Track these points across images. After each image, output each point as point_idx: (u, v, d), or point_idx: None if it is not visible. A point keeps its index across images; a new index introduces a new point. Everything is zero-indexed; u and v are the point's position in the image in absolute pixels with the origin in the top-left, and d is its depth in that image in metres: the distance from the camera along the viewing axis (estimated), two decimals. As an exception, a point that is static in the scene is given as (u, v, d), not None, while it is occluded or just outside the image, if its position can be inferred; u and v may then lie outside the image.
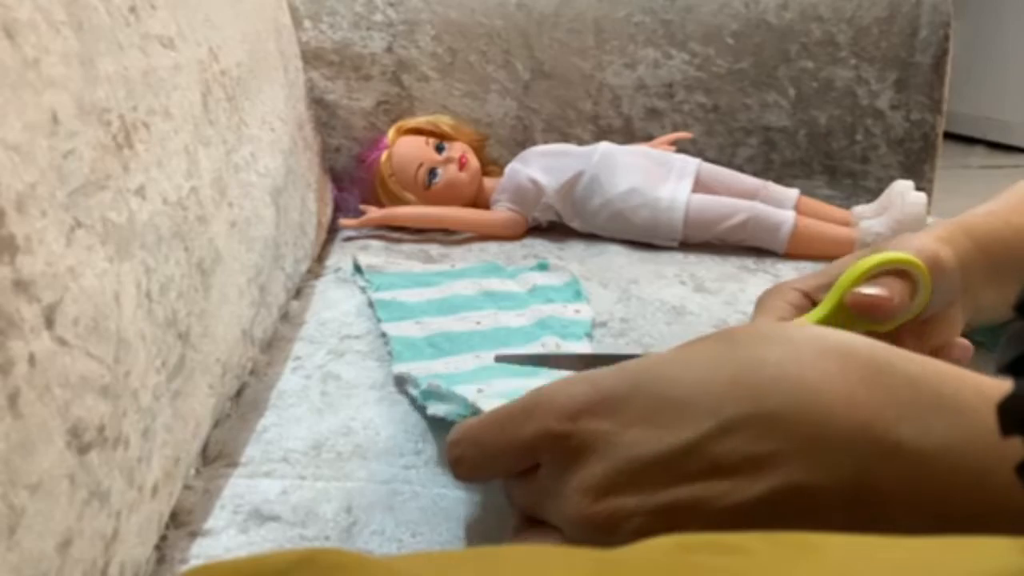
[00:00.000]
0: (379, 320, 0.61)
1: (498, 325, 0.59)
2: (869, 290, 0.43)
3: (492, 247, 0.83)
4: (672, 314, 0.65)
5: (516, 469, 0.34)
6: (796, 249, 0.79)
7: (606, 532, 0.28)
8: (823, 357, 0.28)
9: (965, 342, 0.47)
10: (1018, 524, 0.23)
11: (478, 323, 0.59)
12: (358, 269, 0.72)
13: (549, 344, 0.55)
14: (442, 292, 0.66)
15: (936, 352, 0.46)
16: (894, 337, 0.45)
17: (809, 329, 0.30)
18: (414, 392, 0.49)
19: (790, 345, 0.29)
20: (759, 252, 0.81)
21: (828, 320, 0.44)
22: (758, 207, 0.81)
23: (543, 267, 0.72)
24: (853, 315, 0.43)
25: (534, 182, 0.86)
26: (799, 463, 0.26)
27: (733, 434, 0.27)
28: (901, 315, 0.44)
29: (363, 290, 0.68)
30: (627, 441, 0.29)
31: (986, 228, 0.50)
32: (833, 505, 0.25)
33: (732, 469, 0.27)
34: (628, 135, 0.97)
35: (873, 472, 0.25)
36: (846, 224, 0.82)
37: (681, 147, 0.94)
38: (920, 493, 0.25)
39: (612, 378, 0.31)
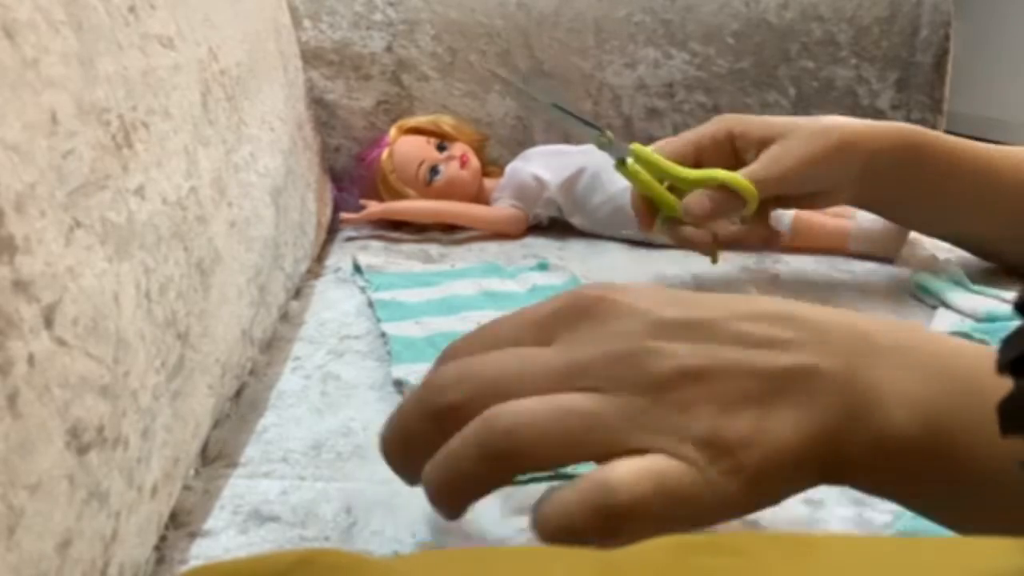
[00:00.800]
0: (379, 320, 0.61)
1: None
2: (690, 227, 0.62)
3: (492, 247, 0.83)
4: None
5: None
6: (795, 241, 0.79)
7: (649, 368, 0.30)
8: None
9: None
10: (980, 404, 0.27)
11: (479, 324, 0.59)
12: (358, 269, 0.72)
13: None
14: (442, 292, 0.66)
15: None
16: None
17: None
18: None
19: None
20: (759, 252, 0.81)
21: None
22: (756, 200, 0.81)
23: (543, 267, 0.72)
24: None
25: (537, 178, 0.86)
26: (811, 349, 0.31)
27: (754, 320, 0.32)
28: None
29: (363, 290, 0.68)
30: (657, 311, 0.32)
31: (942, 140, 0.63)
32: (832, 388, 0.31)
33: (756, 343, 0.31)
34: (628, 135, 0.97)
35: (861, 362, 0.31)
36: (842, 215, 0.82)
37: (681, 147, 0.94)
38: (897, 381, 0.31)
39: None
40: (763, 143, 0.61)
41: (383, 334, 0.59)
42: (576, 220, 0.87)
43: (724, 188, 0.60)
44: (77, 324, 0.29)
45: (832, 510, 0.40)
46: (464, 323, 0.59)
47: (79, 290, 0.29)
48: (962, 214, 0.66)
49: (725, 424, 0.29)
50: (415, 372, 0.52)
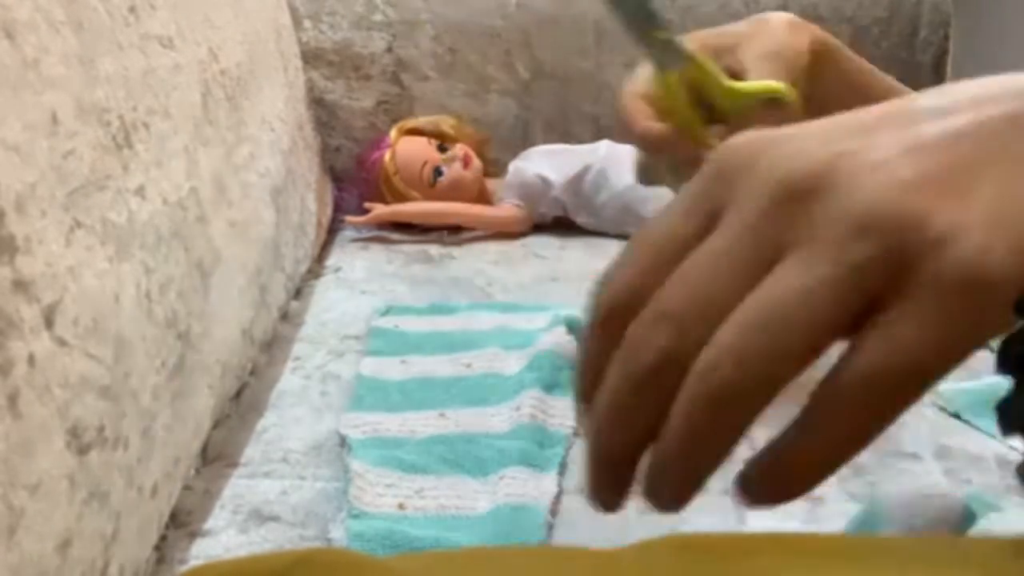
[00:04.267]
0: (364, 353, 0.57)
1: (490, 370, 0.54)
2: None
3: (492, 247, 0.83)
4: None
5: None
6: None
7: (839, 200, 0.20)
8: None
9: None
10: None
11: (468, 365, 0.55)
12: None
13: (525, 404, 0.49)
14: (455, 323, 0.61)
15: None
16: None
17: None
18: (348, 459, 0.44)
19: None
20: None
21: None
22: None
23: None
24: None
25: (541, 178, 0.86)
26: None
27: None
28: None
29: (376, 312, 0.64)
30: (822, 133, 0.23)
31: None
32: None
33: None
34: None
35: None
36: None
37: (681, 147, 0.94)
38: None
39: None
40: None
41: (358, 374, 0.54)
42: (581, 219, 0.87)
43: (775, 103, 0.47)
44: (77, 324, 0.29)
45: (832, 507, 0.40)
46: (454, 365, 0.55)
47: (79, 290, 0.29)
48: None
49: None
50: (364, 425, 0.47)
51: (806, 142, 0.21)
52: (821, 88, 0.51)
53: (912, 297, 0.18)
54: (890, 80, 0.54)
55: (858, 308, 0.19)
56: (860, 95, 0.52)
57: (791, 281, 0.20)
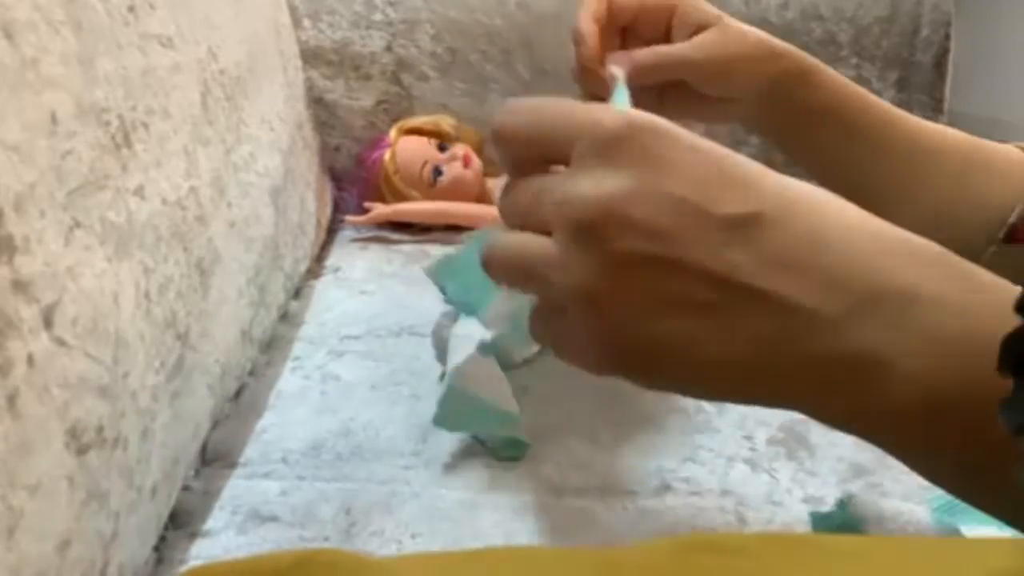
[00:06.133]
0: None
1: None
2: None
3: (492, 247, 0.83)
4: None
5: (548, 139, 0.30)
6: None
7: (596, 241, 0.27)
8: None
9: None
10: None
11: None
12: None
13: None
14: None
15: None
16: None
17: None
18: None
19: None
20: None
21: None
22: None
23: None
24: None
25: None
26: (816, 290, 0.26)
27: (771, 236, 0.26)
28: None
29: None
30: (670, 175, 0.28)
31: (834, 78, 0.55)
32: (820, 339, 0.26)
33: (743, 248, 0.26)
34: (628, 135, 0.97)
35: (863, 320, 0.26)
36: None
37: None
38: (901, 348, 0.26)
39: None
40: (700, 28, 0.55)
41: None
42: None
43: None
44: (76, 324, 0.29)
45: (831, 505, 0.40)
46: None
47: (79, 290, 0.29)
48: (840, 153, 0.63)
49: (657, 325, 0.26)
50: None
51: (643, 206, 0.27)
52: (790, 107, 0.56)
53: None
54: (870, 99, 0.55)
55: None
56: (833, 119, 0.56)
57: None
